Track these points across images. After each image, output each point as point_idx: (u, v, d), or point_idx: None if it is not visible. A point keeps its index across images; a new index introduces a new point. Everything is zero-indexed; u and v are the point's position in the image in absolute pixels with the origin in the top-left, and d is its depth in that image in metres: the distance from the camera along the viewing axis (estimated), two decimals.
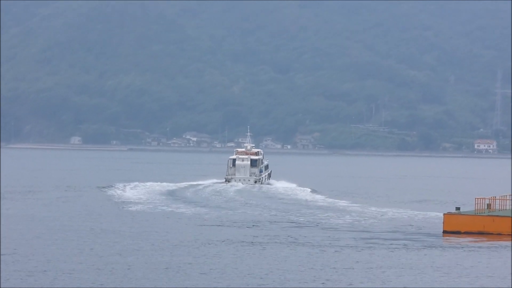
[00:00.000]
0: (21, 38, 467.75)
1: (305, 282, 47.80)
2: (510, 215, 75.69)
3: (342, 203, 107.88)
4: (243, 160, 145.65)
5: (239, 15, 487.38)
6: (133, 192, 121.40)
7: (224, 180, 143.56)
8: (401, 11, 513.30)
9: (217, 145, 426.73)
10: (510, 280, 49.24)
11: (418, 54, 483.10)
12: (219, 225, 78.21)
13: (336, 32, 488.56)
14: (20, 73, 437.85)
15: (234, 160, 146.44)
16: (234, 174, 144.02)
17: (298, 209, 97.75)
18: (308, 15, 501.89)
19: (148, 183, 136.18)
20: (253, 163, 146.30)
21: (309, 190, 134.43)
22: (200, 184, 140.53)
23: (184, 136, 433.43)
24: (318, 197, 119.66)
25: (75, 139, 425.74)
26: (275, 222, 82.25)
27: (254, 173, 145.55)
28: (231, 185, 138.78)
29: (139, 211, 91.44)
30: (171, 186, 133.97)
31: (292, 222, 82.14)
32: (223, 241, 64.92)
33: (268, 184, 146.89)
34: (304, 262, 54.78)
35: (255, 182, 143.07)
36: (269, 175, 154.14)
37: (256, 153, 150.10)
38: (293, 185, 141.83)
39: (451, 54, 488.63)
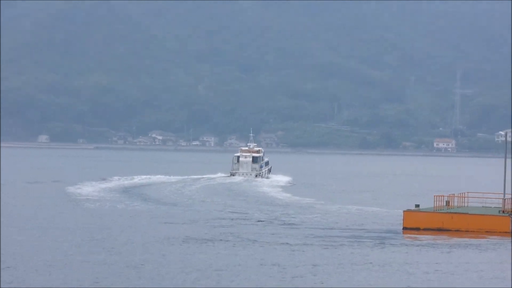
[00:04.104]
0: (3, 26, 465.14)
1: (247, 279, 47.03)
2: (468, 212, 75.95)
3: (308, 200, 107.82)
4: (245, 157, 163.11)
5: (203, 15, 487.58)
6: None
7: (230, 174, 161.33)
8: (363, 13, 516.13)
9: (183, 144, 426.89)
10: (468, 276, 49.09)
11: (379, 55, 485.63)
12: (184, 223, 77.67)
13: (299, 33, 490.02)
14: None
15: (238, 157, 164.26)
16: (238, 169, 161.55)
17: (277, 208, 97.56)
18: (272, 15, 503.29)
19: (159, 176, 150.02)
20: (255, 160, 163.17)
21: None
22: (208, 177, 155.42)
23: (149, 135, 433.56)
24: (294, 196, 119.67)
25: (43, 137, 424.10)
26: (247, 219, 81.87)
27: (255, 168, 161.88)
28: (234, 179, 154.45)
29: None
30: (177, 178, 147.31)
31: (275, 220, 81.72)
32: (179, 239, 64.17)
33: (268, 177, 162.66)
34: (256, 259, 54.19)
35: (256, 176, 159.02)
36: (269, 170, 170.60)
37: (257, 151, 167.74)
38: (289, 178, 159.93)
39: (412, 55, 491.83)
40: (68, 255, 54.08)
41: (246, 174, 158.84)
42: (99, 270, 48.61)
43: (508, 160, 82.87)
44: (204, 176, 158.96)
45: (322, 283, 45.90)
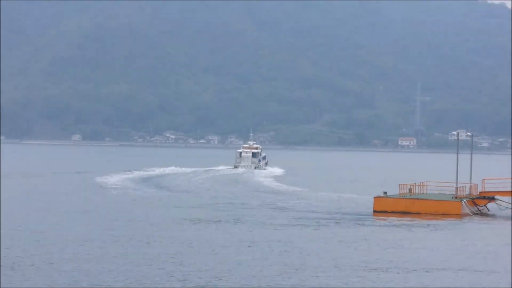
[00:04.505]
0: (33, 55, 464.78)
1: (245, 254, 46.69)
2: (427, 198, 75.96)
3: (296, 188, 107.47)
4: (246, 153, 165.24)
5: (208, 36, 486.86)
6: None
7: (234, 166, 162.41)
8: (340, 34, 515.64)
9: (191, 142, 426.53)
10: (428, 250, 48.93)
11: (353, 69, 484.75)
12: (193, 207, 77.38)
13: (287, 51, 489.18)
14: (32, 83, 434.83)
15: (240, 152, 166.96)
16: (240, 162, 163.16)
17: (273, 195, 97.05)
18: (265, 36, 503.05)
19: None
20: (254, 155, 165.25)
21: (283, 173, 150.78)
22: (217, 169, 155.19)
23: (164, 134, 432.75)
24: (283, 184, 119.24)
25: (76, 137, 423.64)
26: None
27: (254, 162, 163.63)
28: (237, 170, 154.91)
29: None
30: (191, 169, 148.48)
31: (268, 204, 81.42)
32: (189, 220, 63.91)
33: (265, 169, 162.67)
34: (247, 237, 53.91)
35: (255, 168, 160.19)
36: (266, 163, 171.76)
37: (256, 148, 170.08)
38: (281, 170, 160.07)
39: (380, 68, 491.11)
40: (94, 231, 54.13)
41: (247, 167, 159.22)
42: (119, 242, 48.47)
43: (460, 155, 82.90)
44: (212, 168, 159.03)
45: (309, 254, 45.78)
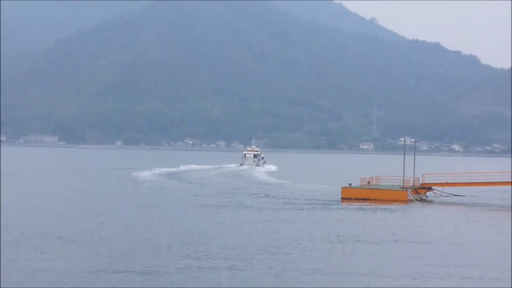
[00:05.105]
0: (86, 80, 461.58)
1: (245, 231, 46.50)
2: (381, 188, 76.05)
3: (283, 181, 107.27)
4: (249, 154, 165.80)
5: (217, 66, 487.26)
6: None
7: (240, 164, 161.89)
8: (316, 65, 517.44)
9: (204, 146, 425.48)
10: (382, 226, 48.90)
11: (326, 91, 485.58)
12: (208, 195, 77.08)
13: (276, 77, 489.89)
14: (85, 102, 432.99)
15: (245, 154, 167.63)
16: (245, 161, 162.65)
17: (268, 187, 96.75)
18: (260, 66, 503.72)
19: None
20: (255, 155, 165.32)
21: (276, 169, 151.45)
22: (227, 166, 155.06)
23: (184, 140, 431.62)
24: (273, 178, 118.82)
25: (118, 142, 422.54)
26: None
27: (255, 161, 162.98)
28: (242, 167, 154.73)
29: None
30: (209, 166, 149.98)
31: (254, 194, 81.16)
32: (201, 205, 63.72)
33: (263, 166, 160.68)
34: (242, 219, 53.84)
35: (256, 165, 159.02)
36: (264, 162, 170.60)
37: (257, 151, 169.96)
38: (275, 167, 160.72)
39: (346, 91, 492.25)
40: (130, 212, 53.97)
41: (250, 165, 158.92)
42: (148, 219, 48.36)
43: (406, 156, 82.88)
44: (224, 165, 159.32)
45: (299, 231, 45.59)
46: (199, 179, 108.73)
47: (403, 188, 75.29)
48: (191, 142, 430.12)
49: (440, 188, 77.80)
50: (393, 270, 32.56)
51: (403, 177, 78.24)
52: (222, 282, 28.57)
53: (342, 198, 72.20)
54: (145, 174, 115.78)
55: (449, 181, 78.93)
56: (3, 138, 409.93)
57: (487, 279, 31.13)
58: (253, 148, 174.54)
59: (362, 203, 68.48)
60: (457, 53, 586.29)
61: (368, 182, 79.15)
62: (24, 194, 72.52)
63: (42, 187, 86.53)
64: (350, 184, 76.94)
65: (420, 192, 76.33)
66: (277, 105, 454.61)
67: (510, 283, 30.47)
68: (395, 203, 69.35)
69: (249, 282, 28.69)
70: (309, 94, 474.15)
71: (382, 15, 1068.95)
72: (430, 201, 74.08)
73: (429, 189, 77.47)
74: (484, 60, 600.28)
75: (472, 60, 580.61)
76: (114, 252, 35.68)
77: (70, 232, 42.57)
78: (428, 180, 78.72)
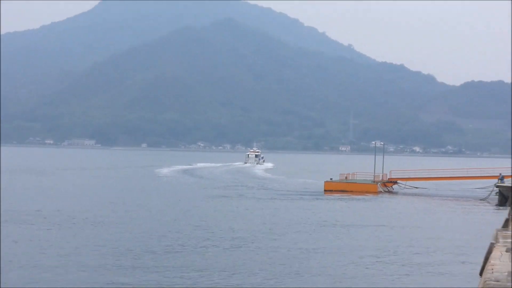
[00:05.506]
0: (117, 95, 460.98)
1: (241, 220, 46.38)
2: (356, 182, 76.06)
3: (277, 176, 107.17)
4: (252, 154, 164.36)
5: (224, 83, 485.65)
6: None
7: (244, 163, 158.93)
8: (304, 82, 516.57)
9: (213, 148, 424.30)
10: (357, 213, 48.83)
11: (312, 104, 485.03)
12: (214, 187, 76.97)
13: (272, 92, 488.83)
14: (117, 112, 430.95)
15: (248, 154, 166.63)
16: (248, 160, 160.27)
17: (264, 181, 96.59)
18: (258, 83, 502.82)
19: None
20: (256, 155, 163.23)
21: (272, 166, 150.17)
22: (233, 164, 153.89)
23: (197, 143, 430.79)
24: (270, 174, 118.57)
25: (143, 145, 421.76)
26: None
27: (256, 160, 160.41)
28: (246, 165, 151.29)
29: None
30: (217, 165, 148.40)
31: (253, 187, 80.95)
32: (207, 197, 63.69)
33: (263, 164, 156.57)
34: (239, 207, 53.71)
35: (257, 163, 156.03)
36: (264, 161, 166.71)
37: (258, 152, 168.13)
38: (272, 164, 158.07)
39: (328, 104, 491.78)
40: (148, 201, 53.94)
41: (252, 163, 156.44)
42: (161, 207, 48.38)
43: (376, 156, 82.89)
44: (230, 163, 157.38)
45: (289, 217, 45.60)
46: (209, 174, 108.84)
47: (374, 182, 75.35)
48: (202, 144, 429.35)
49: (404, 182, 77.90)
50: (365, 246, 32.58)
51: (374, 173, 78.32)
52: (229, 258, 28.57)
53: (325, 190, 71.93)
54: (165, 171, 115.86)
55: (411, 176, 79.07)
56: (50, 141, 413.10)
57: (435, 253, 31.16)
58: (255, 149, 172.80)
59: (341, 194, 68.51)
60: (418, 73, 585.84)
61: (346, 177, 79.19)
62: (75, 186, 72.54)
63: (87, 180, 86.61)
64: (331, 179, 77.00)
65: (388, 185, 76.41)
66: (272, 115, 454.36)
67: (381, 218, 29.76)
68: (367, 194, 69.39)
69: (249, 258, 28.70)
70: (298, 106, 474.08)
71: (358, 42, 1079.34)
72: (396, 193, 74.15)
73: (395, 182, 77.58)
74: (439, 79, 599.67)
75: (430, 78, 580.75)
76: (139, 232, 35.78)
77: (105, 216, 42.54)
78: (394, 175, 78.84)
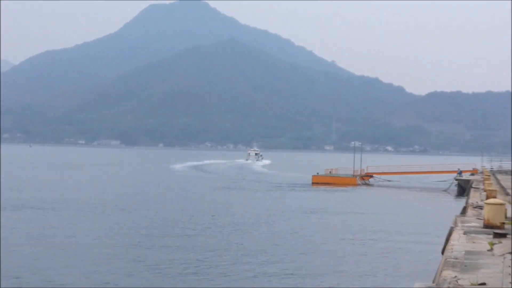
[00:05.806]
0: (139, 103, 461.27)
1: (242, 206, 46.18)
2: (339, 175, 75.89)
3: (273, 171, 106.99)
4: (252, 153, 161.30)
5: (227, 93, 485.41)
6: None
7: (245, 159, 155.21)
8: (295, 93, 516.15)
9: (219, 147, 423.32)
10: (339, 203, 48.72)
11: (302, 110, 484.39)
12: (219, 180, 76.81)
13: (268, 100, 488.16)
14: (139, 117, 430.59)
15: (249, 153, 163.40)
16: (249, 158, 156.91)
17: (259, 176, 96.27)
18: (256, 93, 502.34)
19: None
20: (256, 154, 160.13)
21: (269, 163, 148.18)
22: (236, 161, 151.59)
23: (205, 144, 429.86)
24: (267, 169, 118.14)
25: (160, 145, 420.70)
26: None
27: (256, 157, 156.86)
28: (247, 162, 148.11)
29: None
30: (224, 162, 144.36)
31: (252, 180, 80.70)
32: (216, 188, 63.48)
33: (261, 161, 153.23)
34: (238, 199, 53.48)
35: (256, 160, 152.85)
36: (262, 158, 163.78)
37: (257, 151, 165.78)
38: (269, 161, 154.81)
39: (316, 111, 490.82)
40: (160, 193, 53.77)
41: (252, 160, 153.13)
42: (170, 199, 48.25)
43: (356, 155, 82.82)
44: (233, 160, 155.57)
45: (283, 205, 45.53)
46: (216, 169, 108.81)
47: (353, 176, 75.35)
48: (210, 144, 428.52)
49: (378, 176, 77.88)
50: (345, 229, 32.59)
51: (353, 168, 78.33)
52: (232, 239, 28.57)
53: (312, 183, 71.78)
54: (178, 166, 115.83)
55: (384, 171, 79.03)
56: (82, 142, 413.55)
57: (404, 235, 31.17)
58: (255, 149, 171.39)
59: (326, 186, 68.47)
60: (390, 85, 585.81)
61: (330, 172, 79.10)
62: (105, 178, 72.40)
63: (115, 173, 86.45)
64: (318, 173, 76.96)
65: (365, 178, 76.39)
66: (268, 120, 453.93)
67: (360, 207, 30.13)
68: (348, 186, 69.36)
69: (250, 238, 28.70)
70: (290, 112, 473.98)
71: (340, 58, 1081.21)
72: (372, 185, 74.13)
73: (371, 176, 77.55)
74: (408, 89, 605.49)
75: (400, 89, 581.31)
76: (156, 218, 35.77)
77: (125, 203, 42.49)
78: (370, 170, 78.83)
